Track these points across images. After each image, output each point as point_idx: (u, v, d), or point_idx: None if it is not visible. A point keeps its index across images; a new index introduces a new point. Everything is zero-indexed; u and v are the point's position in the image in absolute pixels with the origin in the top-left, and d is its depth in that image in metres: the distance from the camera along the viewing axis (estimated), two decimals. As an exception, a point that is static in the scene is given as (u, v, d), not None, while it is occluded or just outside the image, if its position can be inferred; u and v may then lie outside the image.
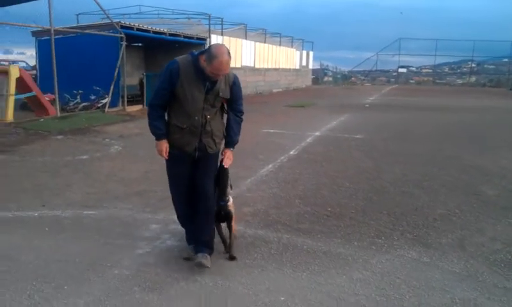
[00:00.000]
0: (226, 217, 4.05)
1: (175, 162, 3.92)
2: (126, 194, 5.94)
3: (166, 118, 3.89)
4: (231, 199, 4.09)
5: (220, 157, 4.02)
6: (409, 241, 4.61)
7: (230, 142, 4.02)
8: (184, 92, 3.67)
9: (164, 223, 4.85)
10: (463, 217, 5.35)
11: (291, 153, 9.08)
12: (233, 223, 4.08)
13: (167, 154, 3.86)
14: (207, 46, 22.07)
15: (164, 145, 3.85)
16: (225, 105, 3.98)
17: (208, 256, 3.79)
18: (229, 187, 4.06)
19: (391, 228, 4.97)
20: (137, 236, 4.52)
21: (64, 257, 4.02)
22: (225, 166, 3.96)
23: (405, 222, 5.15)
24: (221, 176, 3.97)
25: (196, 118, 3.73)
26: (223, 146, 4.05)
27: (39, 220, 4.98)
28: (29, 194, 5.93)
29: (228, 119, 4.00)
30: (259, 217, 5.19)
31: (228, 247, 4.13)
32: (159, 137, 3.87)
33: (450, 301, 3.44)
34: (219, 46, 3.66)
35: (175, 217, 4.25)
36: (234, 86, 3.88)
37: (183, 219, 4.16)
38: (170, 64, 3.72)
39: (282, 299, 3.40)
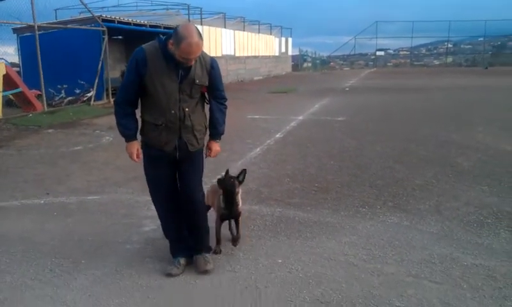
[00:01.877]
0: (236, 218, 3.92)
1: (154, 164, 3.52)
2: (124, 179, 6.27)
3: (140, 114, 3.49)
4: (240, 200, 3.84)
5: (205, 152, 3.72)
6: (390, 208, 5.05)
7: (215, 134, 3.66)
8: (154, 83, 3.27)
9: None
10: (439, 186, 5.80)
11: (277, 136, 9.47)
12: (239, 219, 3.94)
13: (138, 157, 3.51)
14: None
15: (135, 147, 3.48)
16: (206, 94, 3.59)
17: (209, 257, 3.66)
18: (239, 191, 3.80)
19: (374, 198, 5.40)
20: (141, 216, 4.87)
21: (77, 237, 4.36)
22: (211, 156, 3.71)
23: (386, 192, 5.58)
24: (229, 196, 3.75)
25: (173, 111, 3.32)
26: (207, 139, 3.69)
27: (46, 207, 5.30)
28: (32, 183, 6.23)
29: (210, 108, 3.63)
30: (252, 195, 5.57)
31: (233, 240, 3.98)
32: (128, 138, 3.48)
33: (429, 256, 3.87)
34: (187, 26, 3.18)
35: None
36: (212, 70, 3.46)
37: (167, 229, 3.80)
38: (136, 53, 3.30)
39: (279, 261, 3.80)
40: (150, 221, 4.66)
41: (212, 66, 3.46)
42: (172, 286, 3.43)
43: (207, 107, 3.66)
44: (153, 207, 4.85)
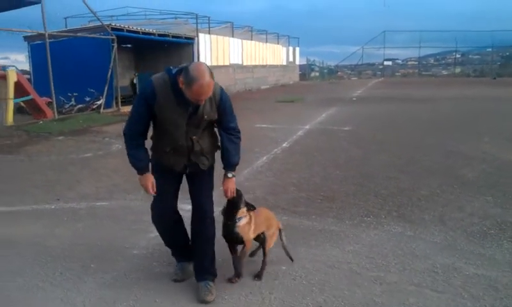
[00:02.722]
0: (234, 239, 3.61)
1: (163, 173, 3.45)
2: (133, 187, 6.33)
3: (151, 135, 3.45)
4: (243, 220, 3.58)
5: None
6: (395, 218, 5.11)
7: (228, 165, 3.47)
8: (163, 117, 3.23)
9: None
10: (444, 197, 5.86)
11: (284, 145, 9.57)
12: (246, 249, 3.67)
13: (154, 190, 3.41)
14: (195, 46, 22.62)
15: (149, 180, 3.37)
16: (215, 124, 3.48)
17: (212, 286, 3.46)
18: (243, 207, 3.58)
19: (378, 208, 5.47)
20: (149, 223, 4.84)
21: (86, 241, 4.48)
22: (227, 197, 3.50)
23: (391, 202, 5.65)
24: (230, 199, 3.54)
25: (180, 143, 3.29)
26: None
27: (56, 212, 5.42)
28: (42, 189, 6.36)
29: (221, 140, 3.48)
30: (258, 203, 5.56)
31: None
32: (140, 170, 3.37)
33: (432, 266, 3.93)
34: (198, 66, 3.07)
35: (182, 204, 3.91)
36: (221, 102, 3.31)
37: (168, 239, 3.75)
38: (145, 88, 3.24)
39: (284, 268, 3.88)
40: (157, 227, 4.76)
41: (221, 99, 3.30)
42: (178, 291, 3.52)
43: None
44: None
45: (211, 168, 3.54)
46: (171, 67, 3.21)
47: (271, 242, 3.86)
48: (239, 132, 3.52)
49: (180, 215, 3.68)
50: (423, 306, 3.28)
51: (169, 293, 3.48)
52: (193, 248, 3.62)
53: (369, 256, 4.14)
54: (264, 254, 3.80)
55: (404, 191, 6.10)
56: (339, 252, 4.23)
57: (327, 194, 6.03)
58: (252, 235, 3.67)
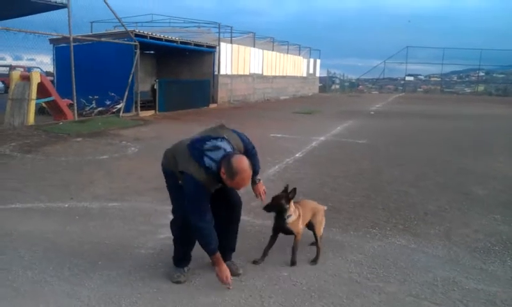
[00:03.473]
0: (287, 233, 4.13)
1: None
2: (145, 189, 6.52)
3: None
4: (293, 217, 4.07)
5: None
6: (400, 231, 5.14)
7: (254, 173, 3.85)
8: None
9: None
10: (451, 213, 5.87)
11: (297, 155, 9.64)
12: (297, 240, 4.16)
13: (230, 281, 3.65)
14: (216, 54, 22.87)
15: (228, 270, 3.65)
16: None
17: (237, 263, 4.01)
18: (289, 206, 4.04)
19: (385, 220, 5.50)
20: (157, 224, 5.09)
21: (96, 239, 4.62)
22: (263, 198, 4.04)
23: (398, 216, 5.68)
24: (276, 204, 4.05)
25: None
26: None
27: (69, 211, 5.58)
28: (58, 188, 6.54)
29: None
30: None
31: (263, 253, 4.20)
32: (217, 250, 3.60)
33: (432, 279, 3.97)
34: (240, 160, 3.40)
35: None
36: (242, 145, 3.77)
37: (185, 242, 3.90)
38: (196, 186, 3.44)
39: (285, 274, 3.96)
40: (165, 229, 4.82)
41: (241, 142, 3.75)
42: (180, 291, 3.62)
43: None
44: (170, 216, 5.03)
45: None
46: (204, 163, 3.40)
47: (320, 228, 4.38)
48: (253, 144, 3.94)
49: None
50: (419, 317, 3.33)
51: (171, 292, 3.59)
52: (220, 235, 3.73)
53: (371, 266, 4.19)
54: (316, 240, 4.32)
55: (412, 205, 6.13)
56: (341, 261, 4.29)
57: (335, 204, 6.09)
58: (302, 226, 4.19)
